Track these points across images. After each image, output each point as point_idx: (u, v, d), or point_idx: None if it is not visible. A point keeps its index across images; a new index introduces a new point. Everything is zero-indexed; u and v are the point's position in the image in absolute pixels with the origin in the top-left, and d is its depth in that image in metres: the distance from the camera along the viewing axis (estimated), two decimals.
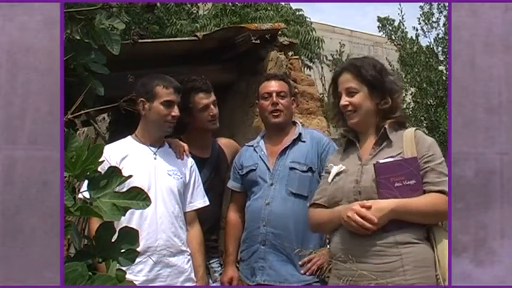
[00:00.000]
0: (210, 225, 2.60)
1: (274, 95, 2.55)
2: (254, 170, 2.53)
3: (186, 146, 2.46)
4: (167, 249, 2.22)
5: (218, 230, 2.75)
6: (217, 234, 2.74)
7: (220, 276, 2.59)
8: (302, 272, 2.36)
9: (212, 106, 2.58)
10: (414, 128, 1.94)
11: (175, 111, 2.32)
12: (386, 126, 1.91)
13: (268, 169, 2.50)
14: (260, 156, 2.55)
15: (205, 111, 2.58)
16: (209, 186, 2.59)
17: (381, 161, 1.83)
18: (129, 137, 2.37)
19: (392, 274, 1.73)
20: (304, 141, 2.52)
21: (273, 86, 2.58)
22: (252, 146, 2.64)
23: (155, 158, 2.31)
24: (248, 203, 2.55)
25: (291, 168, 2.45)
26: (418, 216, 1.78)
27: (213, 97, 2.60)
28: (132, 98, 1.80)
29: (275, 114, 2.54)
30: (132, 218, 2.10)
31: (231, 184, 2.66)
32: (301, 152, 2.48)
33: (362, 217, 1.76)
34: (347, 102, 1.95)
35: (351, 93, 1.95)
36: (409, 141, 1.86)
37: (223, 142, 2.84)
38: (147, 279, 2.16)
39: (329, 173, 1.98)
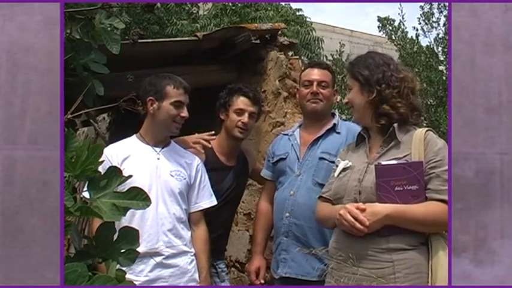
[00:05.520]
0: (222, 232, 2.61)
1: (315, 83, 2.49)
2: (284, 159, 2.50)
3: (204, 137, 2.46)
4: (169, 250, 2.21)
5: (228, 237, 2.75)
6: (227, 240, 2.74)
7: (247, 265, 2.58)
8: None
9: (247, 114, 2.55)
10: (426, 129, 1.87)
11: (185, 112, 2.31)
12: (395, 125, 1.86)
13: (298, 159, 2.46)
14: (292, 145, 2.51)
15: (238, 115, 2.55)
16: (229, 196, 2.59)
17: (383, 163, 1.79)
18: (133, 136, 2.35)
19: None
20: (338, 133, 2.47)
21: (315, 74, 2.52)
22: (287, 134, 2.61)
23: (158, 158, 2.29)
24: (276, 194, 2.52)
25: (321, 159, 2.39)
26: (415, 224, 1.73)
27: (253, 109, 2.57)
28: (133, 98, 1.79)
29: (313, 100, 2.49)
30: (133, 220, 2.08)
31: (264, 172, 2.64)
32: (333, 143, 2.42)
33: (354, 217, 1.74)
34: (346, 100, 2.00)
35: (349, 90, 1.99)
36: (418, 142, 1.81)
37: (248, 150, 2.81)
38: (148, 280, 2.15)
39: (337, 166, 1.97)
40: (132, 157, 2.24)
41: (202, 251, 2.32)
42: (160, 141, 2.33)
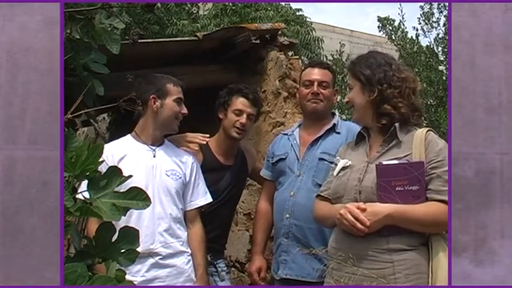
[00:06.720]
0: (221, 231, 2.62)
1: (315, 84, 2.48)
2: (284, 159, 2.49)
3: (198, 136, 2.46)
4: (165, 250, 2.21)
5: (227, 236, 2.75)
6: (226, 239, 2.74)
7: (248, 266, 2.57)
8: None
9: (245, 115, 2.55)
10: (426, 129, 1.87)
11: (185, 109, 2.34)
12: (396, 124, 1.86)
13: (298, 159, 2.45)
14: (292, 145, 2.51)
15: (236, 115, 2.55)
16: (227, 195, 2.59)
17: (384, 163, 1.78)
18: (128, 136, 2.35)
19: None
20: (338, 133, 2.45)
21: (316, 74, 2.51)
22: (287, 134, 2.60)
23: (154, 157, 2.29)
24: (276, 194, 2.51)
25: (320, 159, 2.38)
26: (416, 225, 1.73)
27: (252, 110, 2.57)
28: (133, 98, 1.79)
29: (314, 100, 2.47)
30: (130, 220, 2.06)
31: (263, 172, 2.63)
32: (333, 143, 2.40)
33: (354, 217, 1.74)
34: (347, 99, 2.00)
35: (350, 90, 1.99)
36: (419, 143, 1.80)
37: (248, 149, 2.81)
38: (145, 280, 2.15)
39: (337, 165, 1.96)
40: (128, 157, 2.24)
41: (198, 249, 2.32)
42: (156, 140, 2.34)
